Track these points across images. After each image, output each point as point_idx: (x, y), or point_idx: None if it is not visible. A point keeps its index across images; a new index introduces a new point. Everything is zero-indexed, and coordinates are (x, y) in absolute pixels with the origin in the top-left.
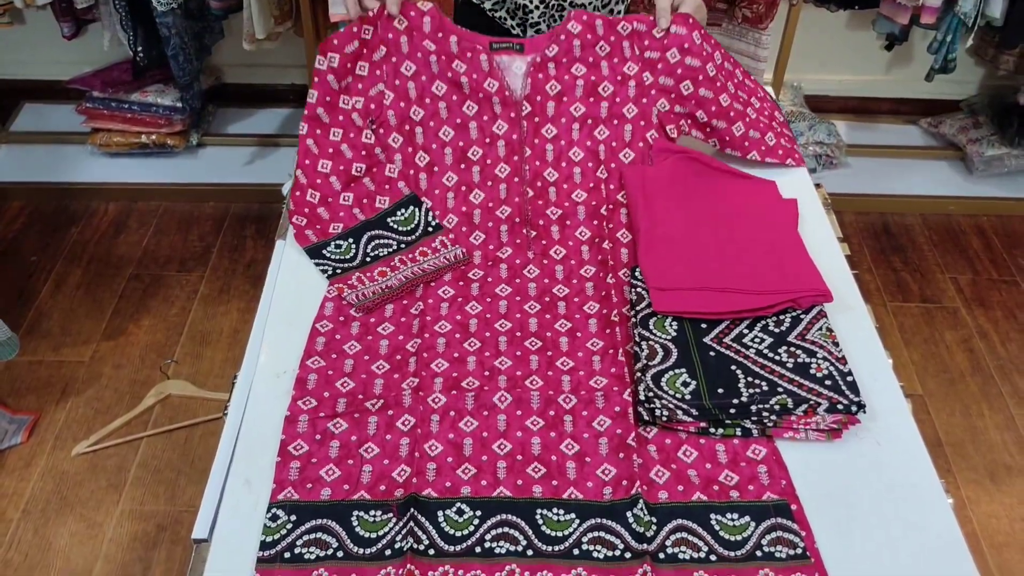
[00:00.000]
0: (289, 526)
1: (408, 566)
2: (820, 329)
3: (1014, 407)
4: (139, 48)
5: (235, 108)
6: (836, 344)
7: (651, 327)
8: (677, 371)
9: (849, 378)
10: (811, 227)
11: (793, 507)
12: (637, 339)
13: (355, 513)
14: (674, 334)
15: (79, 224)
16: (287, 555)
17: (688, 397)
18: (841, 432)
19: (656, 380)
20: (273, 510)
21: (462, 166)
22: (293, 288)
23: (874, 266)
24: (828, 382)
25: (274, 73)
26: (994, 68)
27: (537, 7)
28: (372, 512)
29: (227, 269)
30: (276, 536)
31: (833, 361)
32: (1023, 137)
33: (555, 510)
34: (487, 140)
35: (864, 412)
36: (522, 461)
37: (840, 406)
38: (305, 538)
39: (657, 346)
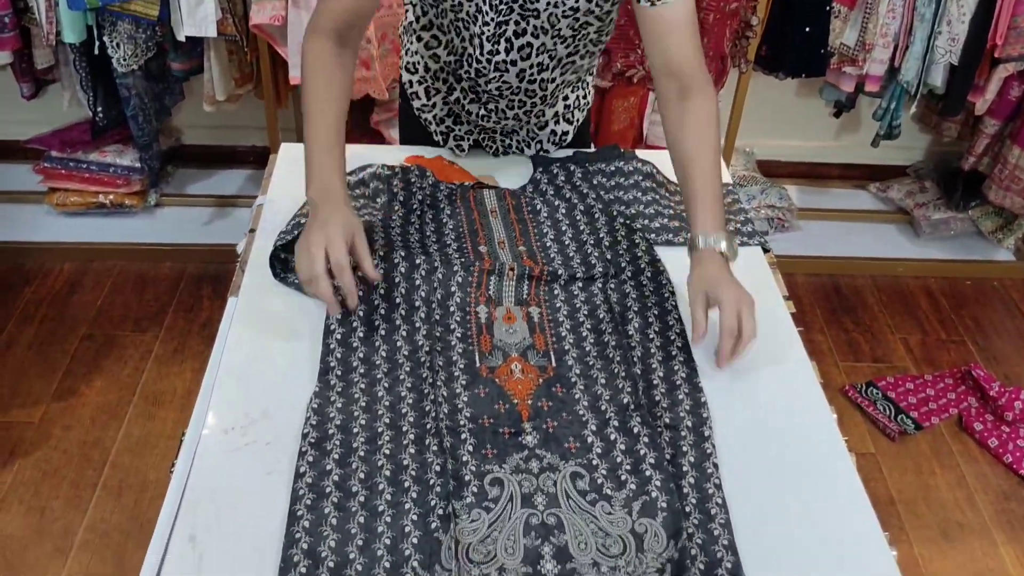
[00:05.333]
0: None
1: None
2: None
3: (964, 464)
4: (99, 108)
5: (194, 169)
6: None
7: None
8: None
9: None
10: (757, 287)
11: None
12: None
13: None
14: None
15: (33, 283)
16: None
17: None
18: None
19: None
20: None
21: None
22: (244, 345)
23: (826, 327)
24: None
25: (234, 135)
26: (938, 135)
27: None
28: None
29: (182, 329)
30: None
31: None
32: (968, 201)
33: None
34: None
35: None
36: None
37: None
38: None
39: None
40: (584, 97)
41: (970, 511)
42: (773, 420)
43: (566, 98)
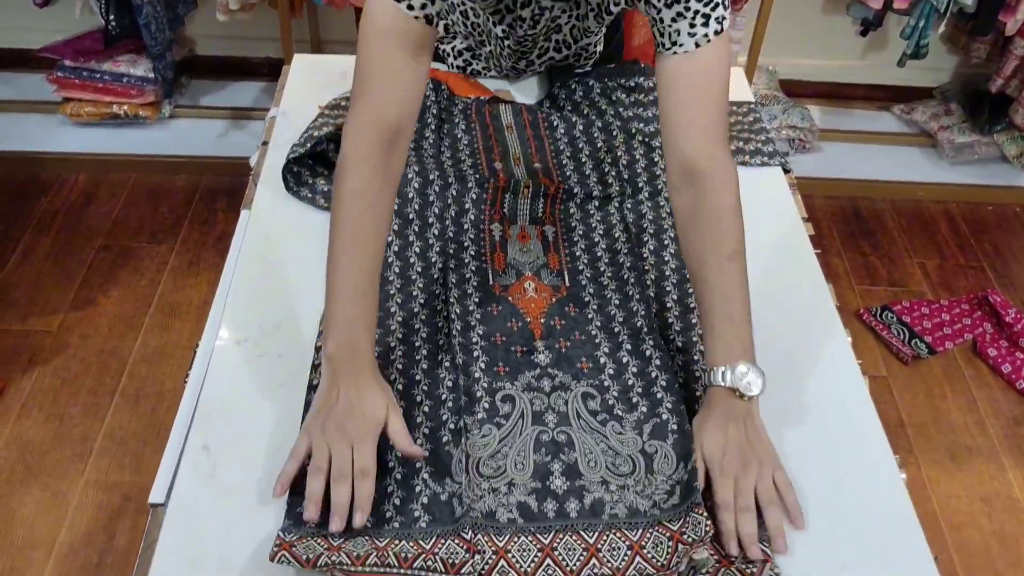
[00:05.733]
0: None
1: None
2: None
3: (976, 389)
4: (111, 17)
5: (208, 80)
6: None
7: None
8: None
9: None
10: (776, 207)
11: None
12: None
13: None
14: None
15: (49, 194)
16: None
17: None
18: None
19: None
20: None
21: None
22: (257, 258)
23: (843, 250)
24: None
25: (248, 46)
26: (967, 56)
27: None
28: None
29: (197, 242)
30: None
31: None
32: (993, 124)
33: None
34: None
35: None
36: None
37: None
38: None
39: None
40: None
41: (979, 435)
42: (787, 342)
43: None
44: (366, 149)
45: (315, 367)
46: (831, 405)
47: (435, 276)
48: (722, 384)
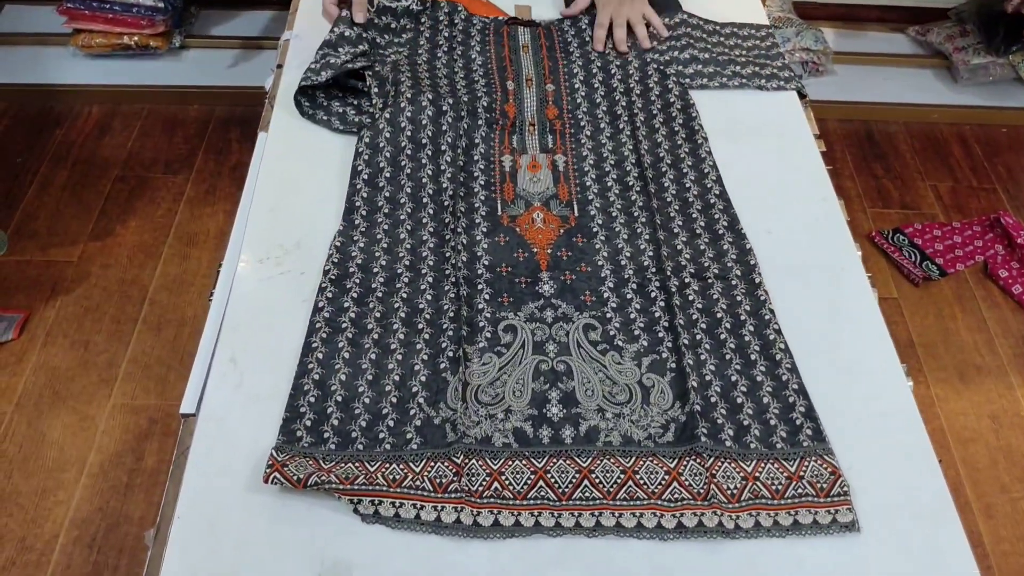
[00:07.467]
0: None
1: None
2: None
3: (986, 310)
4: None
5: (218, 10)
6: None
7: None
8: None
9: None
10: (789, 128)
11: None
12: None
13: None
14: None
15: (63, 126)
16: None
17: None
18: None
19: None
20: None
21: None
22: (276, 178)
23: (856, 173)
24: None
25: None
26: None
27: None
28: None
29: (213, 171)
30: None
31: None
32: (1009, 46)
33: None
34: None
35: None
36: None
37: None
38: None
39: None
40: None
41: (988, 354)
42: (798, 254)
43: None
44: None
45: (321, 289)
46: (840, 314)
47: (445, 203)
48: None
